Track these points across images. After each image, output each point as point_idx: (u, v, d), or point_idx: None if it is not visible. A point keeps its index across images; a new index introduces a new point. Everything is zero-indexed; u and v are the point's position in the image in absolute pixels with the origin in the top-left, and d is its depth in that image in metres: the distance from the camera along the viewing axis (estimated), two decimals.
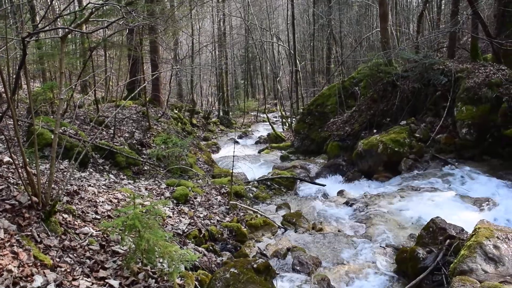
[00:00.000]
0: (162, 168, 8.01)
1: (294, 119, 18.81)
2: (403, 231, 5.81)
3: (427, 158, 8.54)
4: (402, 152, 8.61)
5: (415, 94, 9.81)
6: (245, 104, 29.01)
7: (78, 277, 3.25)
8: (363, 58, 17.65)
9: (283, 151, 13.83)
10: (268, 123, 21.64)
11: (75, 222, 4.12)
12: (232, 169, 7.16)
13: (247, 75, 35.39)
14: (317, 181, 9.23)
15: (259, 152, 15.13)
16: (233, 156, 7.19)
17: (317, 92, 18.96)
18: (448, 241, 4.46)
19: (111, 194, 5.47)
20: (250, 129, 23.91)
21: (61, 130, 7.11)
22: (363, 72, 12.51)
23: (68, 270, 3.30)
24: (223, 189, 7.51)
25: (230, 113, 28.05)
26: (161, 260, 3.65)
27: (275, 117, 28.74)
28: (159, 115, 13.14)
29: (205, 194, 6.97)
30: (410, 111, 9.89)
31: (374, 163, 8.90)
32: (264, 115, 25.88)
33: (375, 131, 10.18)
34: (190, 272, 3.95)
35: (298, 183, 8.88)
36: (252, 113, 30.30)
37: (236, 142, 16.08)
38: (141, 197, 5.64)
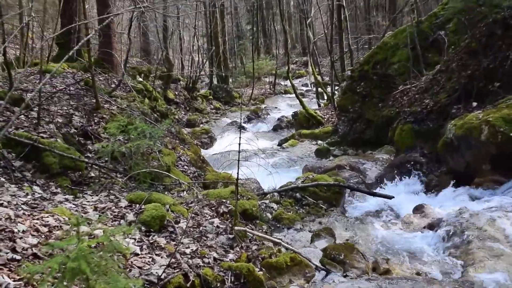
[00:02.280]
0: (120, 174, 8.00)
1: (337, 88, 18.57)
2: None
3: None
4: None
5: None
6: (254, 65, 28.83)
7: None
8: None
9: (320, 142, 13.98)
10: (293, 95, 21.42)
11: None
12: (238, 174, 6.98)
13: (257, 17, 35.22)
14: (378, 190, 9.20)
15: (280, 145, 15.31)
16: (239, 151, 6.89)
17: (375, 42, 18.68)
18: None
19: (38, 219, 5.41)
20: (263, 105, 23.74)
21: None
22: (451, 5, 12.31)
23: None
24: (222, 206, 7.49)
25: (231, 81, 27.94)
26: None
27: (305, 84, 28.51)
28: (113, 86, 13.09)
29: (193, 215, 6.96)
30: None
31: (475, 159, 8.84)
32: (287, 83, 25.70)
33: (474, 104, 10.02)
34: None
35: (347, 194, 8.85)
36: (267, 80, 30.05)
37: (242, 128, 15.91)
38: (88, 223, 5.59)
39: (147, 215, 6.37)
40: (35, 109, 9.16)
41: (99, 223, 5.75)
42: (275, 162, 12.49)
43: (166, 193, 7.90)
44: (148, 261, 5.36)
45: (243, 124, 18.50)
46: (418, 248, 6.85)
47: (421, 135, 10.67)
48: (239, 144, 6.84)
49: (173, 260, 5.40)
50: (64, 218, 5.64)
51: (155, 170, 8.03)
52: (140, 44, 27.00)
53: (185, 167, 10.15)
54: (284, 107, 22.75)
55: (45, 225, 5.33)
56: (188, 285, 5.18)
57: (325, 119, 17.09)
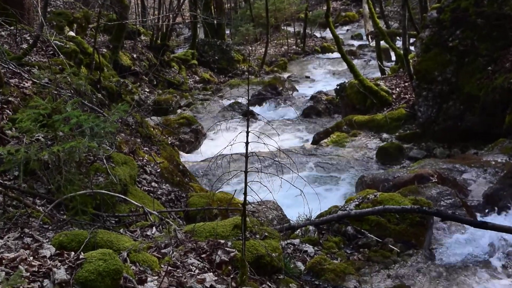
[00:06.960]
0: (42, 200, 6.80)
1: (413, 40, 15.19)
2: None
3: None
4: None
5: None
6: (268, 5, 23.14)
7: None
8: None
9: (385, 135, 12.15)
10: (337, 54, 18.21)
11: None
12: (245, 195, 5.65)
13: None
14: (490, 219, 7.66)
15: (316, 142, 13.28)
16: (246, 156, 5.44)
17: None
18: None
19: None
20: (286, 74, 20.44)
21: None
22: None
23: None
24: (219, 252, 6.16)
25: (228, 33, 23.78)
26: None
27: (358, 36, 25.08)
28: (25, 46, 11.19)
29: (169, 268, 5.66)
30: None
31: None
32: (327, 33, 21.87)
33: None
34: None
35: (436, 225, 7.39)
36: (291, 30, 25.89)
37: (250, 115, 13.67)
38: None
39: (90, 271, 5.12)
40: None
41: (8, 287, 4.71)
42: (309, 172, 10.68)
43: (122, 230, 6.51)
44: None
45: (252, 109, 15.34)
46: None
47: None
48: (247, 143, 5.49)
49: None
50: None
51: (101, 191, 6.71)
52: None
53: (153, 184, 8.65)
54: (322, 77, 19.90)
55: None
56: None
57: (394, 96, 14.24)
